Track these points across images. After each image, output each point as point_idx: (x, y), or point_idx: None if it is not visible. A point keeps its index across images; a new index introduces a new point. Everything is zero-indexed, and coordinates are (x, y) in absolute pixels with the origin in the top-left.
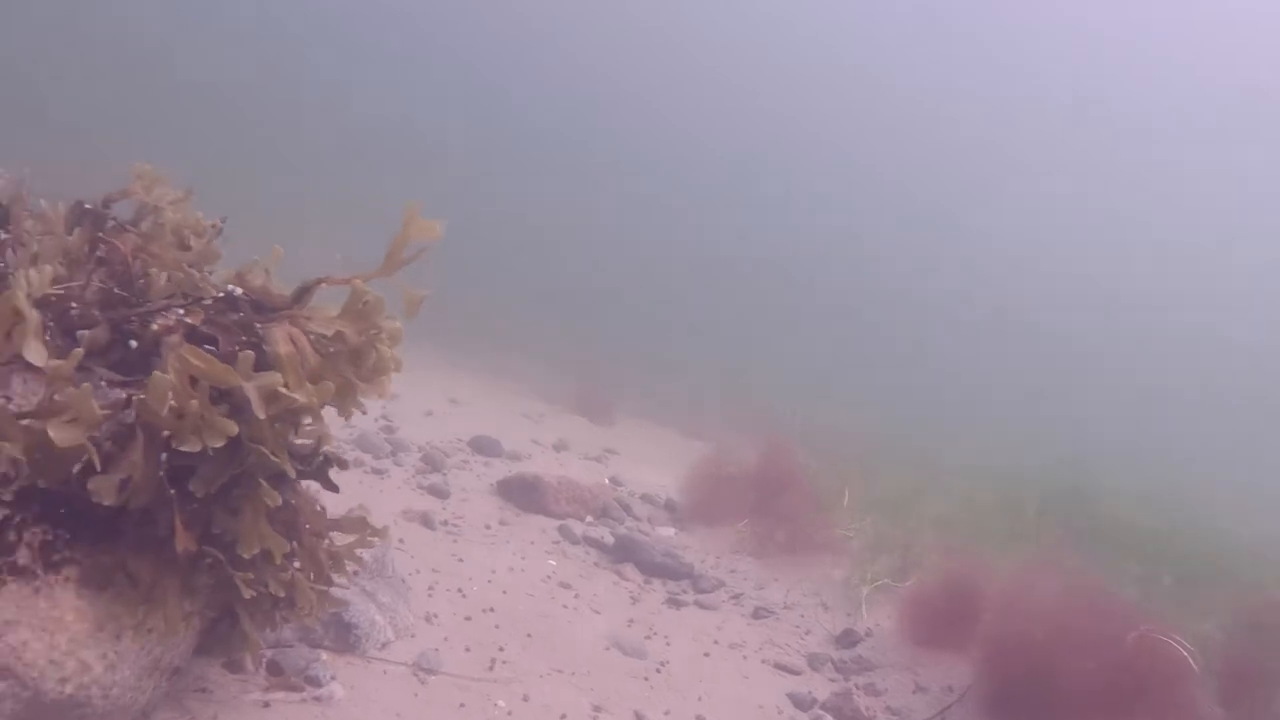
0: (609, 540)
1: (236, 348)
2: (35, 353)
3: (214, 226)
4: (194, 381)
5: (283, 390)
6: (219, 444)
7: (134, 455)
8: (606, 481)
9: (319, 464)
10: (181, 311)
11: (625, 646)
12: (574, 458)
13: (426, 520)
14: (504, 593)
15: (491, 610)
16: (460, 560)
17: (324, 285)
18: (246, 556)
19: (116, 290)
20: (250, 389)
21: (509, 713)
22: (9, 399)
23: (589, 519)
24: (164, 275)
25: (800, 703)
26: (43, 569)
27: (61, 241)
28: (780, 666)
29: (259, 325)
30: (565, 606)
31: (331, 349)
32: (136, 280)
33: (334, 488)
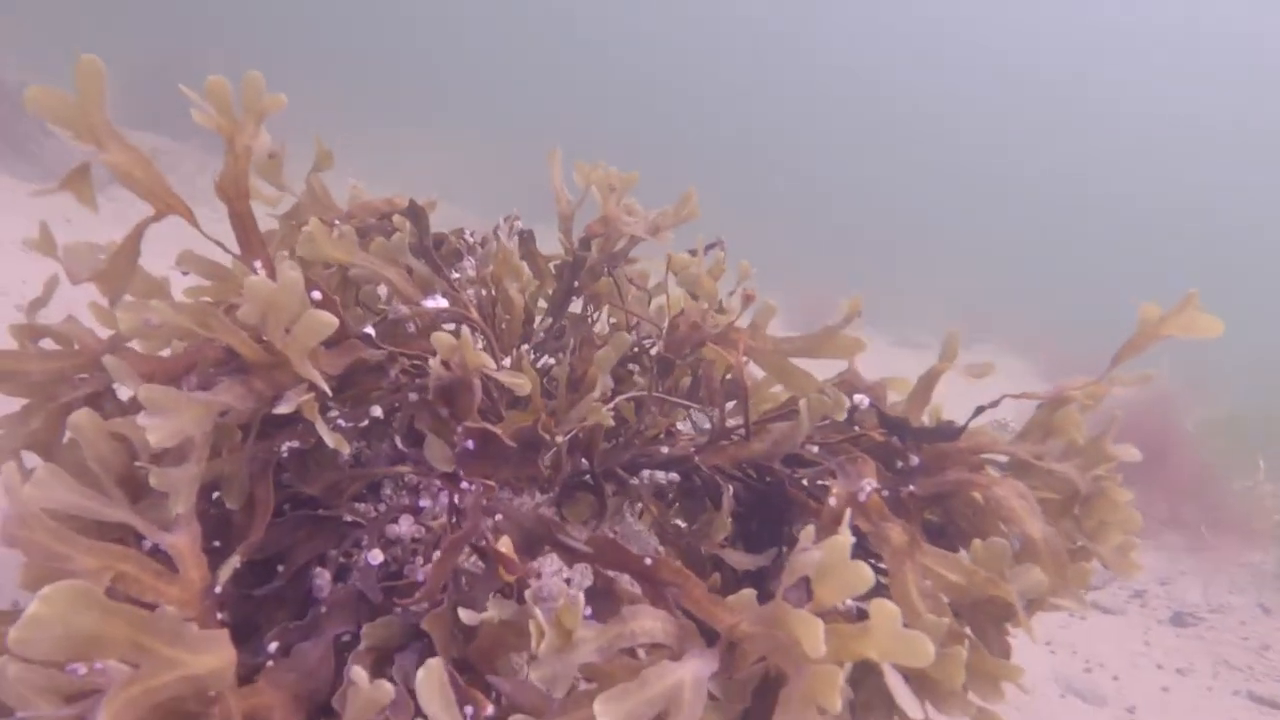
0: None
1: (903, 497)
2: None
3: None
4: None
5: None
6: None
7: None
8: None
9: None
10: (839, 459)
11: (1078, 689)
12: None
13: None
14: None
15: None
16: None
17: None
18: None
19: (709, 418)
20: (1018, 602)
21: None
22: None
23: None
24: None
25: None
26: None
27: (619, 341)
28: (1257, 698)
29: (916, 470)
30: None
31: (1039, 492)
32: (721, 394)
33: None
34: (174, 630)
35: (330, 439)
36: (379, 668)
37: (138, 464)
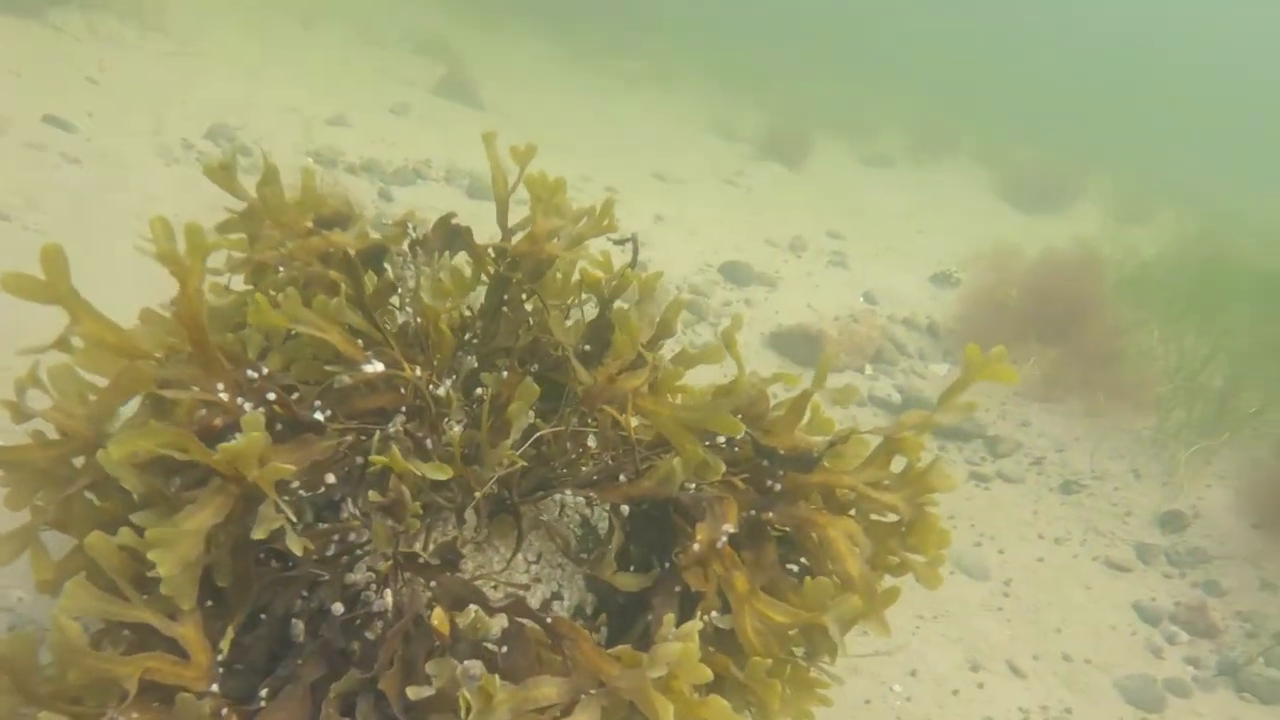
0: (896, 398)
1: (764, 522)
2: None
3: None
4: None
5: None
6: None
7: None
8: (861, 301)
9: None
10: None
11: (966, 565)
12: (819, 263)
13: None
14: None
15: None
16: None
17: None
18: None
19: (606, 460)
20: (833, 629)
21: (907, 698)
22: None
23: (868, 369)
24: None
25: (1148, 615)
26: None
27: (528, 392)
28: (1111, 564)
29: (778, 497)
30: None
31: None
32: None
33: None
34: None
35: (297, 547)
36: (345, 708)
37: (148, 573)
